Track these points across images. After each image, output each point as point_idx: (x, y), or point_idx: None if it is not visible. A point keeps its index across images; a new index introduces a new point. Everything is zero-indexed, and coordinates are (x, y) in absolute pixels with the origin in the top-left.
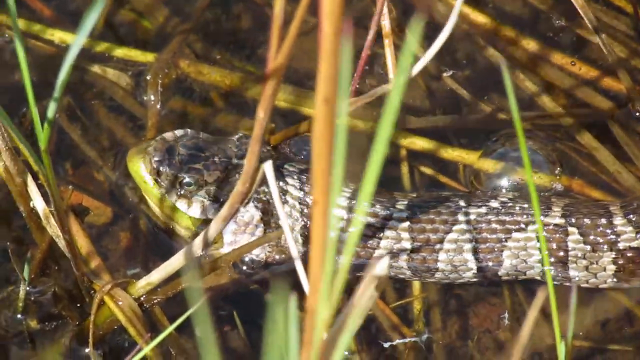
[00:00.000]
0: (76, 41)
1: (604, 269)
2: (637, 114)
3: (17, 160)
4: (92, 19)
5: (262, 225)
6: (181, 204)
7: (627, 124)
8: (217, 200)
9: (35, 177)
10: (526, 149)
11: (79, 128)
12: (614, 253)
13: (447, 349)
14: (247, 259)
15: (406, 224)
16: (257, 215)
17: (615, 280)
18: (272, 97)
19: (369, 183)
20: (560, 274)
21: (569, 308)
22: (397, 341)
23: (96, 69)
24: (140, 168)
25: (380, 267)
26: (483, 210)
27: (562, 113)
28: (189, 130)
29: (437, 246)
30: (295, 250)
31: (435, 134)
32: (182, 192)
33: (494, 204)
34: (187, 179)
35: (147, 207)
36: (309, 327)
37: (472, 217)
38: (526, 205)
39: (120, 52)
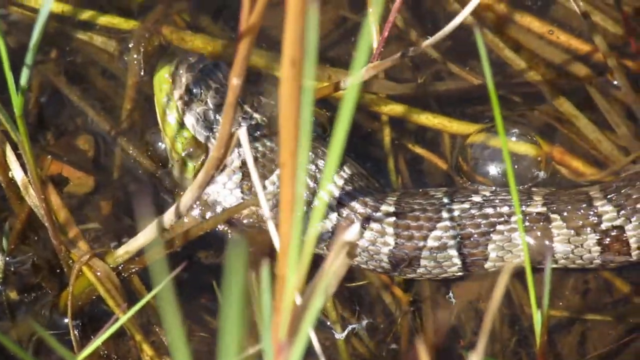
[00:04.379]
0: (43, 5)
1: (589, 251)
2: (615, 82)
3: None
4: None
5: (240, 173)
6: (180, 108)
7: (606, 91)
8: (209, 126)
9: (15, 147)
10: (504, 134)
11: (70, 93)
12: (597, 234)
13: (433, 319)
14: (209, 199)
15: (392, 219)
16: (238, 162)
17: (600, 261)
18: (245, 61)
19: (335, 150)
20: (540, 262)
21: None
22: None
23: (83, 35)
24: (165, 74)
25: (351, 233)
26: (466, 205)
27: (541, 80)
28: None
29: (421, 244)
30: (267, 213)
31: (417, 103)
32: (185, 97)
33: (477, 198)
34: (193, 88)
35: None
36: (279, 293)
37: (456, 213)
38: (508, 197)
39: (104, 19)
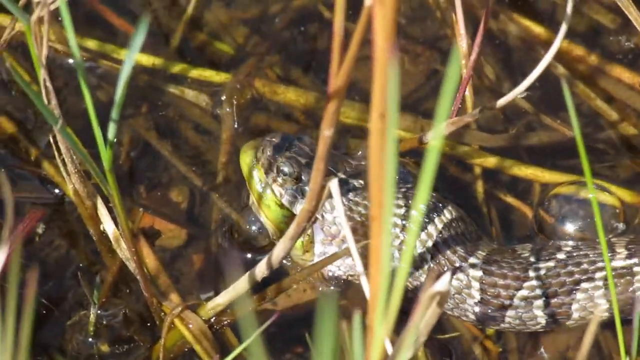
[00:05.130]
0: (127, 59)
1: None
2: None
3: (86, 182)
4: (140, 35)
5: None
6: (276, 191)
7: None
8: None
9: (107, 200)
10: (592, 189)
11: (161, 147)
12: None
13: None
14: (329, 275)
15: (479, 273)
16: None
17: None
18: (336, 114)
19: (420, 199)
20: (627, 314)
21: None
22: None
23: (174, 89)
24: (250, 158)
25: (442, 284)
26: (551, 264)
27: (632, 131)
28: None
29: (507, 302)
30: (360, 267)
31: (510, 154)
32: (279, 179)
33: (561, 255)
34: (284, 167)
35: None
36: (369, 343)
37: (542, 272)
38: (591, 253)
39: (195, 72)
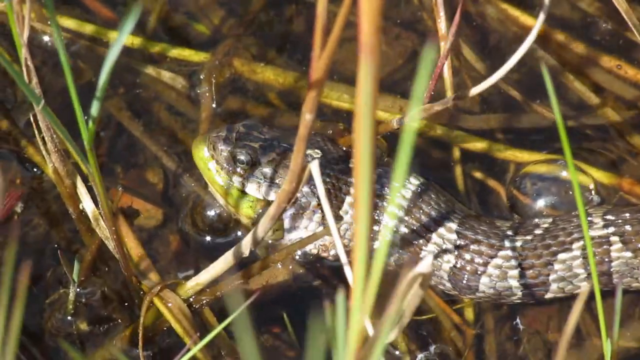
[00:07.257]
0: (117, 40)
1: None
2: None
3: (66, 161)
4: (132, 18)
5: (319, 211)
6: (237, 182)
7: None
8: (273, 182)
9: (86, 180)
10: (572, 163)
11: (134, 129)
12: None
13: (499, 350)
14: (299, 252)
15: (454, 236)
16: (314, 200)
17: None
18: (317, 96)
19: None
20: (604, 285)
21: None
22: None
23: (151, 70)
24: (204, 152)
25: (424, 266)
26: (529, 237)
27: (611, 114)
28: (255, 120)
29: (481, 269)
30: (340, 247)
31: (487, 136)
32: (238, 170)
33: (539, 230)
34: (240, 156)
35: (211, 198)
36: (351, 322)
37: (519, 243)
38: (567, 226)
39: (174, 52)
